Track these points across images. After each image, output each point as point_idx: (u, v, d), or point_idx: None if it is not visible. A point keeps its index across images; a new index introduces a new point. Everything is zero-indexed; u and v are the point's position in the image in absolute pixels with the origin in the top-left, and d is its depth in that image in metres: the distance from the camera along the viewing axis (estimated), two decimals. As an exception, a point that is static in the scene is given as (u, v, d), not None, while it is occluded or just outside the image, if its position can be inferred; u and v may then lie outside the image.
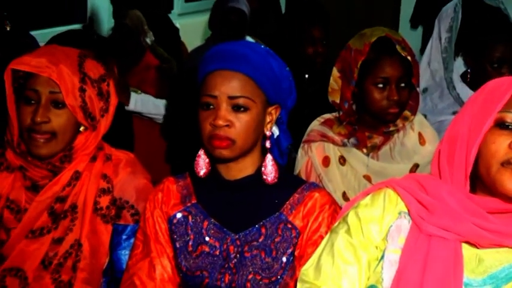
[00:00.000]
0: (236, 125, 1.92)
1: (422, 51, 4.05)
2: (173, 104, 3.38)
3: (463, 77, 3.29)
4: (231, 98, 1.92)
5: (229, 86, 1.92)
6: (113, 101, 2.21)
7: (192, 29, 5.53)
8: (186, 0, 6.42)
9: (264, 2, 5.42)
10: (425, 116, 2.88)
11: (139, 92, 3.73)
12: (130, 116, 3.60)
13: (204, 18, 5.75)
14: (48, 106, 2.09)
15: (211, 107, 1.92)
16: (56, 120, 2.09)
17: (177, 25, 5.44)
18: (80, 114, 2.11)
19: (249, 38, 4.73)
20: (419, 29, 6.47)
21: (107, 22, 5.34)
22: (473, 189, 1.64)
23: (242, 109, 1.93)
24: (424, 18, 6.35)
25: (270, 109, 2.00)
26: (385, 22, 5.68)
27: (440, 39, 3.38)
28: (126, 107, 3.60)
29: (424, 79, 3.32)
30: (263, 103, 1.97)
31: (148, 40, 4.52)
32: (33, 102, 2.08)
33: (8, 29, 3.92)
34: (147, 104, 3.67)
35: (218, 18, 4.69)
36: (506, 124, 1.57)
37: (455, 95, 3.23)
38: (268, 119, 2.00)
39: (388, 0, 7.07)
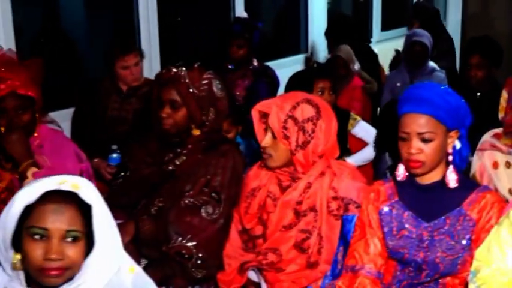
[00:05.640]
0: (425, 151, 2.04)
1: None
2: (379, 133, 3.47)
3: None
4: (419, 133, 2.03)
5: (417, 124, 2.03)
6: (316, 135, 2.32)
7: (387, 52, 5.64)
8: (382, 29, 6.54)
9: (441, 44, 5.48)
10: None
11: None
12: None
13: (396, 43, 5.82)
14: (267, 134, 2.33)
15: (406, 139, 2.05)
16: (270, 145, 2.32)
17: (376, 50, 5.58)
18: (283, 141, 2.29)
19: (431, 64, 4.82)
20: None
21: (323, 52, 5.58)
22: None
23: (428, 140, 2.04)
24: None
25: (450, 134, 2.07)
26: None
27: None
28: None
29: None
30: (444, 132, 2.05)
31: (355, 67, 4.71)
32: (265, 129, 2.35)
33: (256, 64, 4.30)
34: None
35: (407, 48, 4.83)
36: None
37: None
38: (449, 141, 2.08)
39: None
